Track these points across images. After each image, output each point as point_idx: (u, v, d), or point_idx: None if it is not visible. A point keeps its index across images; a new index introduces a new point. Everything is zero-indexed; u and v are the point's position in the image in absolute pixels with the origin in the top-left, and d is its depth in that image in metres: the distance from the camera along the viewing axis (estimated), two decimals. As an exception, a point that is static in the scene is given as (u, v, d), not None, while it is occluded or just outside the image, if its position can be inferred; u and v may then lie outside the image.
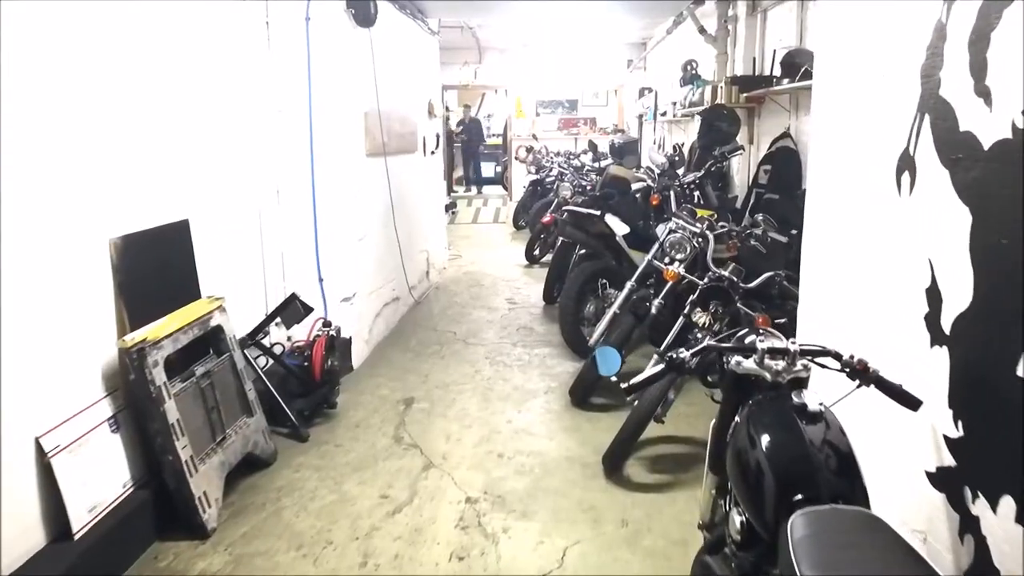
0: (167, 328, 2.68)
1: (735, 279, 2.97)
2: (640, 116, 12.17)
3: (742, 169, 6.08)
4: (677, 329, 3.16)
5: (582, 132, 13.36)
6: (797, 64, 4.68)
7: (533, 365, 4.47)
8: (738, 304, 2.96)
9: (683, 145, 8.89)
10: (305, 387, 3.71)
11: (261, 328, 3.52)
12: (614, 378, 2.94)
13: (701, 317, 2.98)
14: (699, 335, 2.95)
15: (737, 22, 6.47)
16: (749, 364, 1.59)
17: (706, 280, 3.10)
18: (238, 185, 3.52)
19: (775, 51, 5.39)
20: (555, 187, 9.93)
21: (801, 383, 1.55)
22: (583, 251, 5.07)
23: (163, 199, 2.92)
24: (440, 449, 3.32)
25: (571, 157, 9.96)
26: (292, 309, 3.56)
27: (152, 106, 2.84)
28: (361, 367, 4.45)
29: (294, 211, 4.05)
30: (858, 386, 1.54)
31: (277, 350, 3.66)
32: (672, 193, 3.80)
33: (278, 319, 3.57)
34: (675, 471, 3.07)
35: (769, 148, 5.35)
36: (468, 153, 14.77)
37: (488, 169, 15.43)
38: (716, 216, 4.21)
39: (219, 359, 3.04)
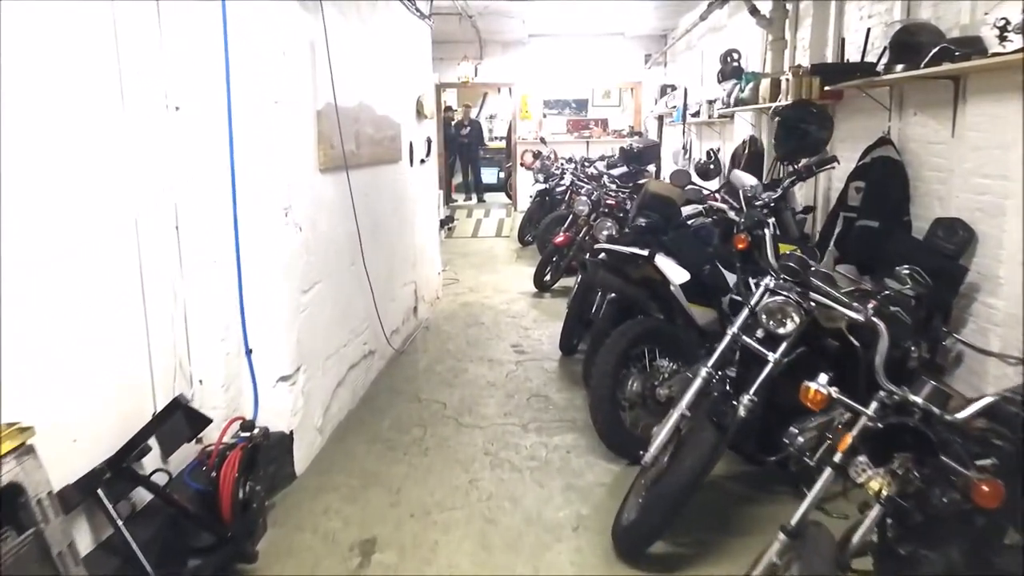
0: None
1: (936, 410, 1.66)
2: (661, 117, 10.86)
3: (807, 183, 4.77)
4: (815, 496, 1.85)
5: (594, 135, 12.05)
6: (917, 45, 3.38)
7: (553, 469, 3.16)
8: (942, 455, 1.65)
9: (719, 151, 7.59)
10: (209, 530, 2.41)
11: (126, 454, 2.21)
12: None
13: (874, 480, 1.67)
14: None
15: (804, -2, 5.15)
16: None
17: (877, 407, 1.79)
18: (91, 216, 2.21)
19: (869, 30, 4.07)
20: (567, 198, 8.65)
21: None
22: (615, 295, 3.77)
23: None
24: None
25: (585, 164, 8.66)
26: (173, 424, 2.26)
27: None
28: (307, 473, 3.14)
29: (204, 254, 2.75)
30: None
31: (161, 478, 2.36)
32: (768, 233, 2.49)
33: (151, 441, 2.26)
34: None
35: (862, 158, 4.04)
36: (467, 158, 13.45)
37: (490, 175, 14.11)
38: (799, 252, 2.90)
39: (19, 538, 1.75)
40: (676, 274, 3.11)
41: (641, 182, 7.78)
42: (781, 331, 2.43)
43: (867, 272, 3.96)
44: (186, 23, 2.64)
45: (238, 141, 2.82)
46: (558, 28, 10.64)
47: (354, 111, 3.86)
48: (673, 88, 9.89)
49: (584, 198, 6.55)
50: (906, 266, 2.38)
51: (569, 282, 6.94)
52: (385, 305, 4.53)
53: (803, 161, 3.52)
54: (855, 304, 2.17)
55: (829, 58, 4.78)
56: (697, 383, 2.50)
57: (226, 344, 2.85)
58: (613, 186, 7.47)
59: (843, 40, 4.16)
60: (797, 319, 2.39)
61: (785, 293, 2.41)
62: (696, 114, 7.73)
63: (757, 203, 3.36)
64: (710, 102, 7.10)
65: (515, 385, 4.21)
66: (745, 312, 2.51)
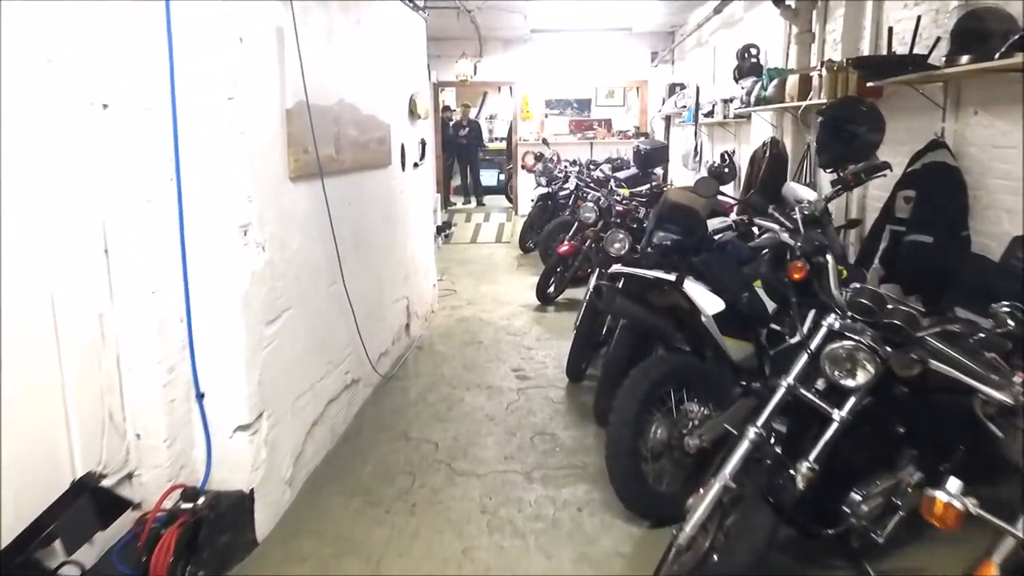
0: None
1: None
2: (668, 118, 10.39)
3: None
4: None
5: (598, 136, 11.56)
6: (985, 33, 2.90)
7: (562, 532, 2.67)
8: None
9: (733, 153, 7.11)
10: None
11: (26, 543, 1.73)
12: None
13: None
14: None
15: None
16: None
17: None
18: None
19: (920, 17, 3.59)
20: (571, 203, 8.17)
21: None
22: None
23: None
24: None
25: (591, 167, 8.18)
26: (78, 512, 1.78)
27: None
28: (272, 538, 2.66)
29: (141, 282, 2.27)
30: None
31: (72, 570, 1.88)
32: (831, 261, 2.02)
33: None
34: None
35: (910, 164, 3.56)
36: (467, 159, 12.96)
37: (490, 177, 13.63)
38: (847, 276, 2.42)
39: None
40: (709, 303, 2.63)
41: (652, 184, 7.35)
42: (850, 383, 1.95)
43: (912, 292, 3.50)
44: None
45: (184, 146, 2.34)
46: (561, 24, 10.16)
47: (333, 110, 3.38)
48: (682, 87, 9.42)
49: (591, 204, 6.07)
50: (1004, 305, 1.90)
51: (575, 293, 6.48)
52: (372, 327, 4.05)
53: (850, 168, 3.04)
54: (997, 379, 1.69)
55: (864, 51, 4.31)
56: (744, 448, 2.02)
57: (171, 389, 2.37)
58: (623, 191, 7.01)
59: (891, 29, 3.67)
60: (871, 369, 1.92)
61: (855, 336, 1.93)
62: (709, 114, 7.25)
63: (795, 216, 2.87)
64: (725, 101, 6.63)
65: (517, 420, 3.73)
66: (803, 358, 2.03)
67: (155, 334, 2.30)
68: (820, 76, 4.18)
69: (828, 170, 3.42)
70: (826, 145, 3.34)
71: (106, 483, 2.18)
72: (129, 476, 2.30)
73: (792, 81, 4.57)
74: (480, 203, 12.84)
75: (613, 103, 14.21)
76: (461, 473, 3.14)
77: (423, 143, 5.62)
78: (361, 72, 3.87)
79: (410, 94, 5.22)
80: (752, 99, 5.40)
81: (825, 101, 4.19)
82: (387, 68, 4.48)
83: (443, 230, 7.36)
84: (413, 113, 5.27)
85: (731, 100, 6.55)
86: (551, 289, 6.38)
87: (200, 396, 2.47)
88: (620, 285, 2.99)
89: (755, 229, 3.21)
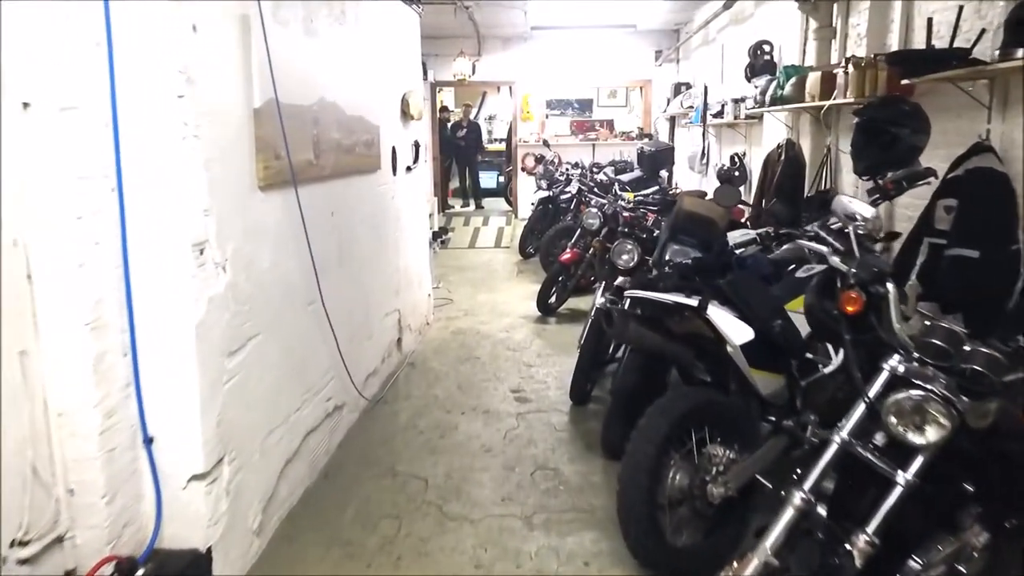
0: None
1: None
2: (673, 118, 10.05)
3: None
4: None
5: (600, 137, 11.22)
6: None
7: (568, 594, 2.34)
8: None
9: (744, 156, 6.77)
10: None
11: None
12: None
13: None
14: None
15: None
16: None
17: None
18: None
19: (962, 8, 3.25)
20: (572, 207, 7.83)
21: None
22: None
23: None
24: None
25: (594, 170, 7.84)
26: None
27: None
28: (235, 600, 2.32)
29: (75, 313, 1.93)
30: None
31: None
32: (892, 291, 1.68)
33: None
34: None
35: (951, 170, 3.22)
36: (465, 161, 12.62)
37: (489, 179, 13.28)
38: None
39: None
40: (736, 332, 2.28)
41: (660, 188, 7.01)
42: (918, 441, 1.61)
43: (952, 311, 3.16)
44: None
45: (128, 152, 2.00)
46: (562, 21, 9.82)
47: (312, 111, 3.04)
48: (688, 86, 9.08)
49: (594, 210, 5.73)
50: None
51: (578, 303, 6.14)
52: (358, 347, 3.71)
53: (889, 175, 2.70)
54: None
55: (893, 46, 3.97)
56: (788, 516, 1.68)
57: (111, 436, 2.03)
58: (628, 196, 6.69)
59: (930, 21, 3.33)
60: (946, 424, 1.58)
61: (926, 385, 1.59)
62: (718, 114, 6.91)
63: (834, 226, 2.51)
64: (736, 101, 6.28)
65: (516, 451, 3.39)
66: (860, 409, 1.69)
67: (90, 372, 1.95)
68: (846, 73, 3.84)
69: (865, 177, 3.07)
70: (863, 149, 2.99)
71: (30, 550, 1.85)
72: (60, 539, 1.96)
73: (813, 79, 4.23)
74: (479, 206, 12.51)
75: (615, 103, 13.88)
76: (453, 517, 2.79)
77: (417, 145, 5.29)
78: (346, 69, 3.54)
79: (402, 93, 4.89)
80: (767, 98, 5.06)
81: (851, 100, 3.86)
82: (376, 65, 4.14)
83: (439, 236, 7.02)
84: (406, 114, 4.93)
85: (742, 100, 6.21)
86: (552, 299, 6.04)
87: (148, 442, 2.13)
88: (637, 312, 2.64)
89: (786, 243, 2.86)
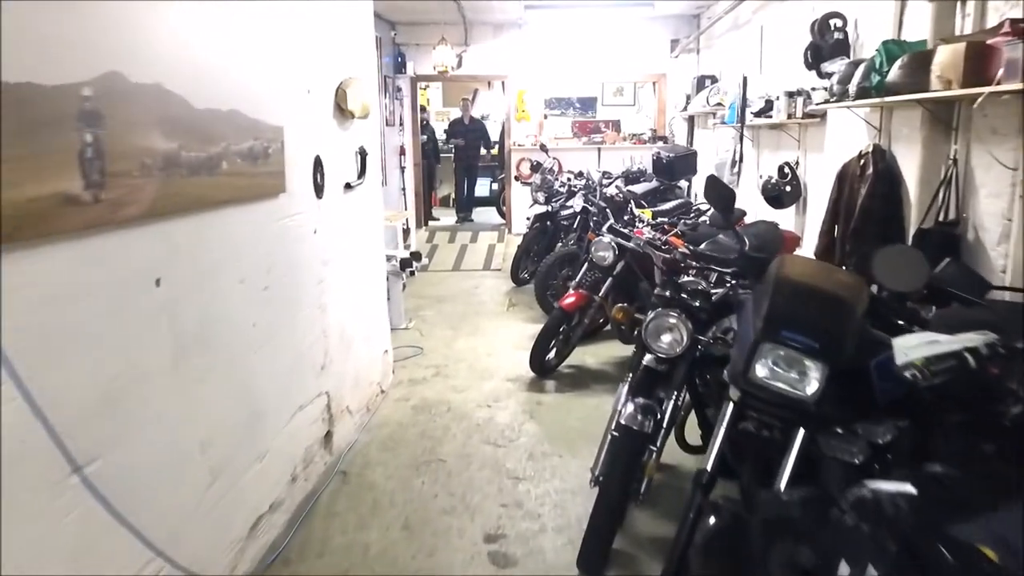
0: None
1: None
2: (692, 118, 8.59)
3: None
4: None
5: (607, 140, 9.76)
6: None
7: None
8: None
9: (797, 165, 5.31)
10: None
11: None
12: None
13: None
14: None
15: None
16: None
17: None
18: None
19: None
20: (575, 225, 6.37)
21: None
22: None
23: None
24: None
25: (603, 181, 6.37)
26: None
27: None
28: None
29: None
30: None
31: None
32: None
33: None
34: None
35: None
36: (464, 166, 11.10)
37: (481, 186, 11.79)
38: None
39: None
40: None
41: (692, 215, 5.61)
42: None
43: None
44: None
45: None
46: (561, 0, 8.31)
47: (80, 97, 1.58)
48: (713, 80, 7.62)
49: (606, 240, 4.29)
50: None
51: (584, 356, 4.70)
52: (234, 483, 2.26)
53: None
54: None
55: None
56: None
57: None
58: (645, 215, 5.27)
59: None
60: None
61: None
62: (761, 112, 5.44)
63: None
64: (792, 95, 4.82)
65: None
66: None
67: None
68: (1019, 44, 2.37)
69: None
70: None
71: None
72: None
73: (949, 57, 2.76)
74: (468, 218, 11.05)
75: (622, 102, 12.42)
76: None
77: (363, 154, 3.83)
78: (198, 32, 2.08)
79: (339, 82, 3.44)
80: (852, 88, 3.60)
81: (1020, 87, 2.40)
82: (281, 35, 2.69)
83: (409, 264, 5.57)
84: (343, 110, 3.48)
85: (799, 93, 4.75)
86: (551, 355, 4.58)
87: None
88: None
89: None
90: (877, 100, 3.36)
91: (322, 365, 3.22)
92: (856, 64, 3.70)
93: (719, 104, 6.80)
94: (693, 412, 2.69)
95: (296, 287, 2.91)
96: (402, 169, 9.34)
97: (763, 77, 6.05)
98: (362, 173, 3.84)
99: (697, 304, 2.40)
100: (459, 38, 9.05)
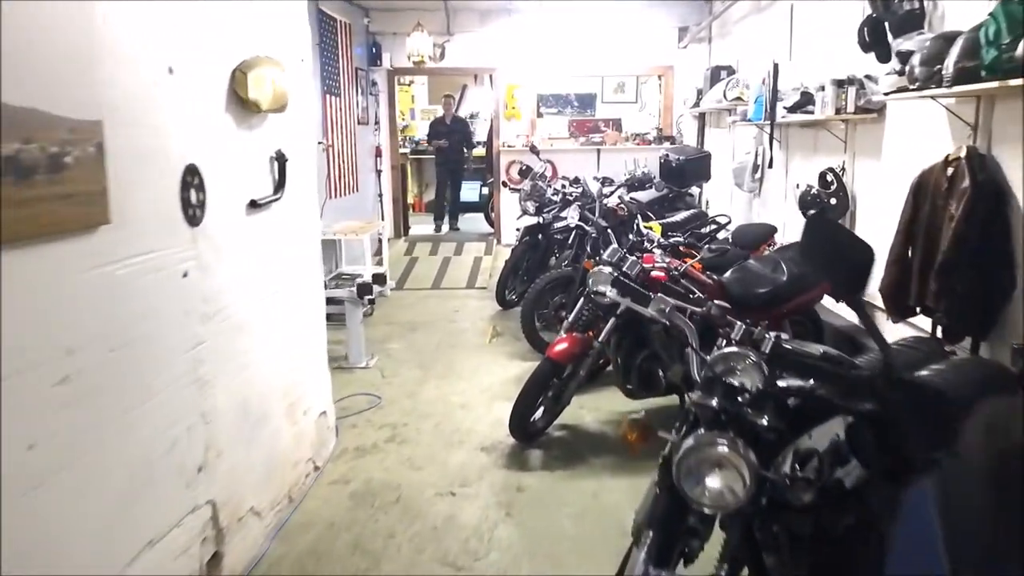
0: None
1: None
2: (703, 116, 7.62)
3: None
4: None
5: (608, 140, 8.77)
6: None
7: None
8: None
9: (843, 172, 4.32)
10: None
11: None
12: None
13: None
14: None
15: None
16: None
17: None
18: None
19: None
20: (571, 241, 5.38)
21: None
22: None
23: None
24: None
25: (603, 191, 5.38)
26: None
27: None
28: None
29: None
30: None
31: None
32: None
33: None
34: None
35: None
36: (448, 170, 10.07)
37: (470, 191, 10.77)
38: None
39: None
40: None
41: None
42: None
43: None
44: None
45: None
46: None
47: None
48: (730, 71, 6.64)
49: (608, 272, 3.30)
50: None
51: (582, 413, 3.75)
52: None
53: None
54: None
55: None
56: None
57: None
58: (654, 230, 4.33)
59: None
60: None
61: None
62: (797, 107, 4.45)
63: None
64: (841, 83, 3.83)
65: None
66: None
67: None
68: None
69: None
70: None
71: None
72: None
73: None
74: (454, 227, 10.05)
75: (623, 99, 11.41)
76: None
77: (281, 160, 2.84)
78: None
79: (235, 63, 2.46)
80: (949, 70, 2.61)
81: None
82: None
83: (368, 291, 4.58)
84: (244, 102, 2.50)
85: (850, 82, 3.77)
86: (538, 413, 3.60)
87: None
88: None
89: None
90: (995, 84, 2.37)
91: (199, 466, 2.23)
92: (948, 38, 2.72)
93: (738, 99, 5.82)
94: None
95: (137, 363, 1.92)
96: (378, 173, 8.36)
97: (792, 66, 5.08)
98: (280, 186, 2.85)
99: (765, 421, 1.41)
100: (441, 27, 8.07)
